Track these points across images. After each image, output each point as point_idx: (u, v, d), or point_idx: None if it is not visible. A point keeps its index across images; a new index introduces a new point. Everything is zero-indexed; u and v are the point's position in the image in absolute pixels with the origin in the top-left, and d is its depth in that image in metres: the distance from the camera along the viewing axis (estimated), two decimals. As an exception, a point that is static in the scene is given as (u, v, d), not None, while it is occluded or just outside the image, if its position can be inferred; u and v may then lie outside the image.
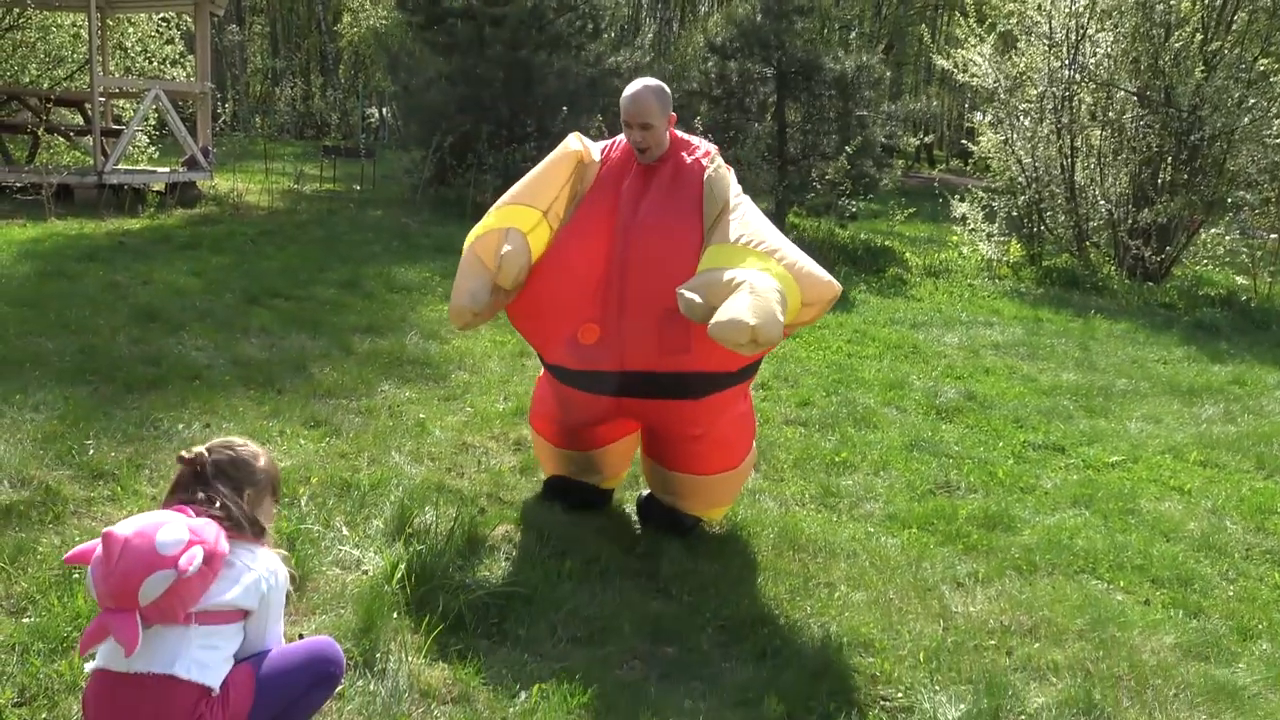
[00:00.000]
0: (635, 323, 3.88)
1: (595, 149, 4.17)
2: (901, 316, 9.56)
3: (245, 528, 2.62)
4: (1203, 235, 12.94)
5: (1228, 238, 12.67)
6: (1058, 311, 10.49)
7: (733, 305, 3.45)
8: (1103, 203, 12.95)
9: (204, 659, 2.46)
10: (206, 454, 2.69)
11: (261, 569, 2.58)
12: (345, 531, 4.08)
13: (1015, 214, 13.49)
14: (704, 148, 4.13)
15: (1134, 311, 10.87)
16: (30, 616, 3.27)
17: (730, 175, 4.08)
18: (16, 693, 2.90)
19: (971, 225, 13.65)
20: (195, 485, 2.64)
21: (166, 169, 13.40)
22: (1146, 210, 12.28)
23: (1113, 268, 12.88)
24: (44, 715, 2.82)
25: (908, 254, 13.14)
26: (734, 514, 4.59)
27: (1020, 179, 13.41)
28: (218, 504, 2.60)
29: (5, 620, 3.25)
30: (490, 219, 4.03)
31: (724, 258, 3.72)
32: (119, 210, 11.55)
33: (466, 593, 3.59)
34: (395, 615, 3.41)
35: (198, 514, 2.54)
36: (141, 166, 14.03)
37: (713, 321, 3.44)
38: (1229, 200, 12.63)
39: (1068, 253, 13.44)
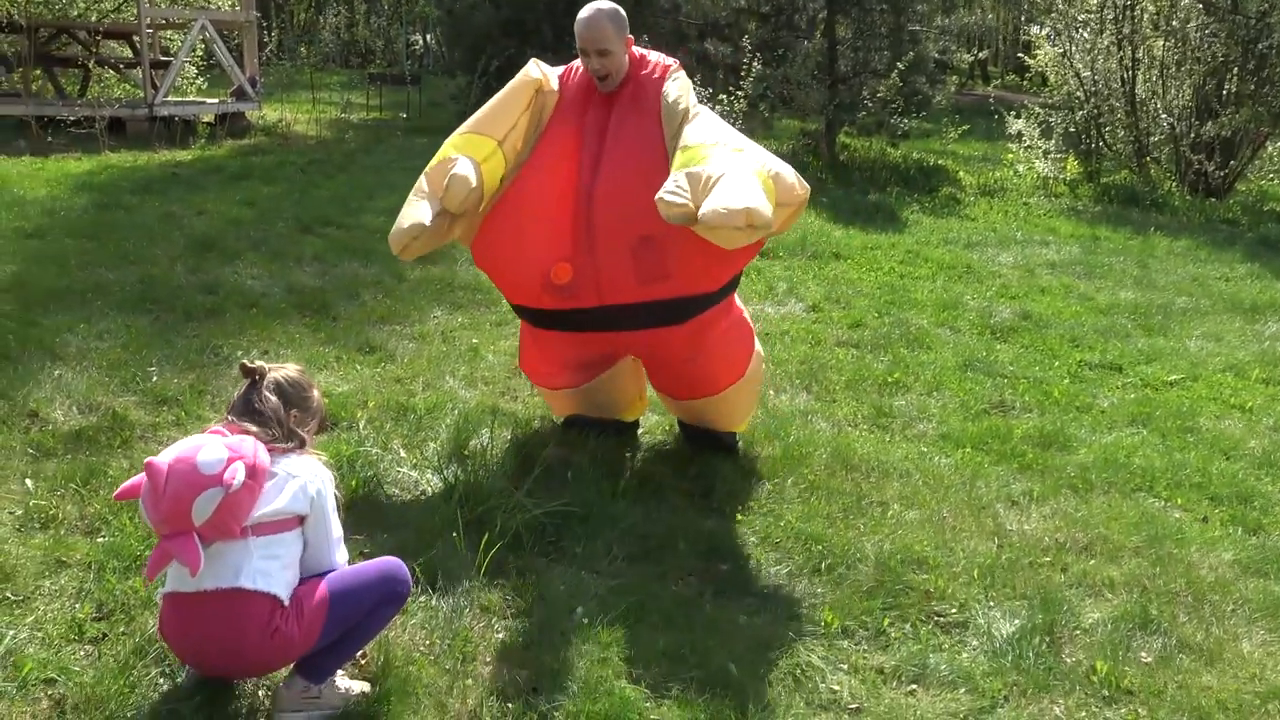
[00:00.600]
0: (608, 255, 3.73)
1: (554, 75, 3.99)
2: (955, 236, 9.41)
3: (284, 439, 2.68)
4: (1269, 148, 12.54)
5: (1296, 150, 12.28)
6: (1116, 229, 10.27)
7: (720, 194, 3.28)
8: (1164, 116, 12.57)
9: (267, 569, 2.54)
10: (266, 368, 2.78)
11: (306, 474, 2.65)
12: (403, 454, 4.15)
13: (1073, 130, 13.14)
14: (663, 63, 3.97)
15: (1195, 228, 10.60)
16: (104, 536, 3.38)
17: (688, 85, 3.92)
18: (95, 608, 3.02)
19: (1027, 142, 13.33)
20: (249, 394, 2.72)
21: (215, 100, 13.45)
22: (1210, 123, 11.91)
23: (1174, 184, 12.54)
24: (121, 629, 2.93)
25: (961, 173, 12.89)
26: (785, 435, 4.60)
27: (1079, 93, 13.04)
28: (264, 413, 2.68)
29: (80, 540, 3.37)
30: (444, 149, 3.84)
31: (693, 158, 3.54)
32: (170, 142, 11.65)
33: (523, 512, 3.64)
34: (454, 534, 3.47)
35: (234, 432, 2.61)
36: (190, 98, 14.09)
37: (703, 212, 3.25)
38: (1297, 111, 12.19)
39: (1127, 169, 13.11)
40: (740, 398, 4.24)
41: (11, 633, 2.88)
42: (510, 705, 2.79)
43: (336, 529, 2.74)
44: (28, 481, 3.71)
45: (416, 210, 3.67)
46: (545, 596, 3.29)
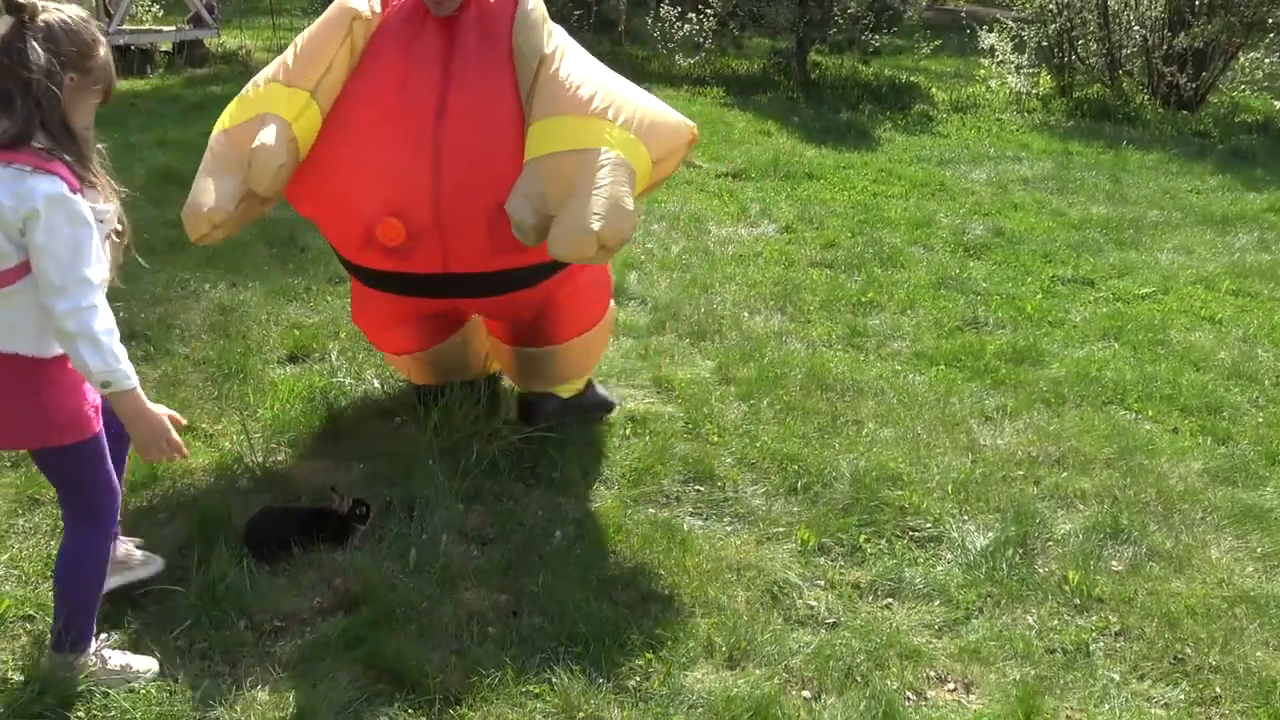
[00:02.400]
0: (459, 221, 3.18)
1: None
2: (928, 154, 9.35)
3: (42, 137, 2.19)
4: (1241, 59, 12.46)
5: (1267, 61, 12.21)
6: (1088, 144, 10.23)
7: (570, 213, 2.93)
8: (1137, 28, 12.45)
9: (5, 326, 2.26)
10: (39, 7, 2.17)
11: (19, 199, 2.14)
12: (377, 384, 4.12)
13: (1045, 44, 13.01)
14: None
15: (1167, 141, 10.58)
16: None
17: (541, 14, 3.29)
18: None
19: (1000, 57, 13.20)
20: (7, 48, 2.13)
21: (172, 28, 13.10)
22: (1183, 34, 11.81)
23: (1146, 97, 12.48)
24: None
25: (934, 90, 12.77)
26: (761, 356, 4.60)
27: (1051, 6, 12.88)
28: (23, 81, 2.13)
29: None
30: (244, 103, 3.25)
31: (551, 137, 3.09)
32: (127, 72, 11.35)
33: (499, 439, 3.64)
34: (430, 462, 3.47)
35: None
36: (147, 26, 13.72)
37: (550, 239, 2.93)
38: (1269, 21, 12.11)
39: (1099, 83, 13.02)
40: (583, 349, 3.80)
41: (-14, 571, 2.87)
42: (491, 629, 2.81)
43: (74, 267, 2.18)
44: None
45: (217, 187, 3.08)
46: (523, 521, 3.30)
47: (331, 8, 3.30)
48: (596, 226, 2.88)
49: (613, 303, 3.96)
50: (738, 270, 5.74)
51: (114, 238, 2.40)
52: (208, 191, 3.08)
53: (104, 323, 2.21)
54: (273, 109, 3.14)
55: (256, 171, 3.05)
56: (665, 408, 4.13)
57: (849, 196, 7.67)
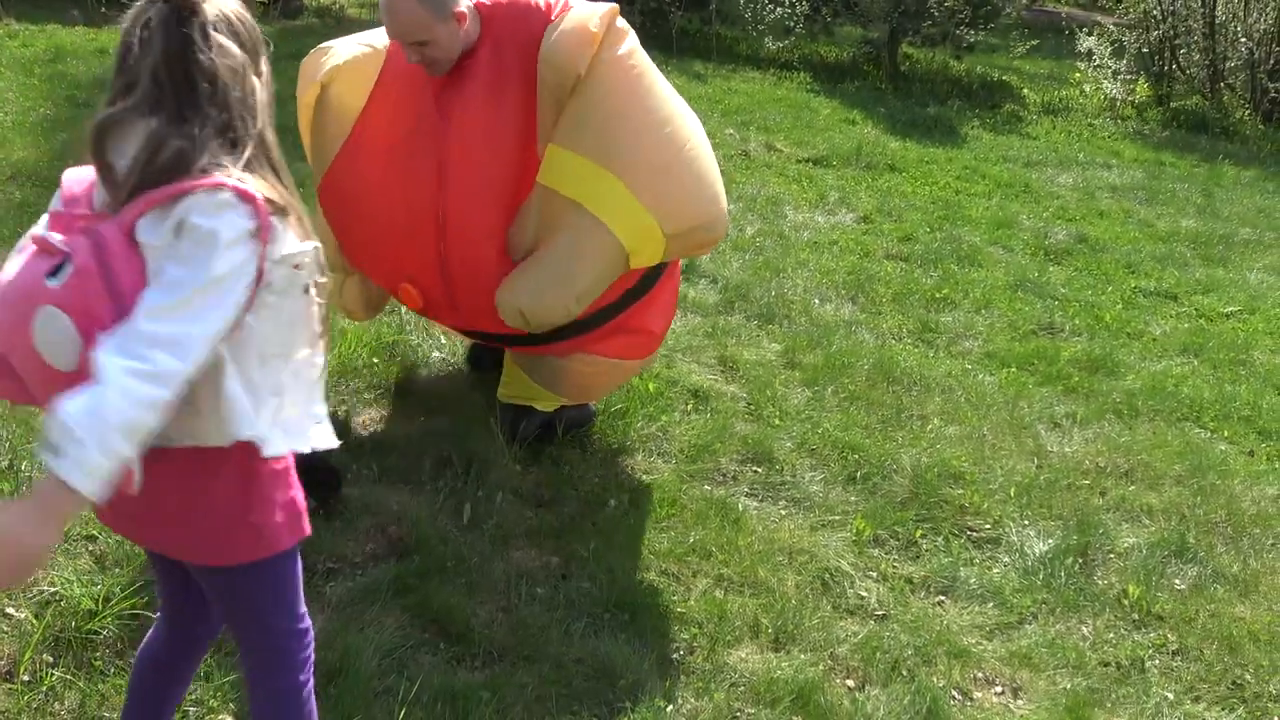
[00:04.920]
0: (466, 291, 3.04)
1: (366, 40, 3.16)
2: (1014, 154, 9.15)
3: (231, 154, 1.53)
4: (1351, 80, 12.01)
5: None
6: (1182, 156, 9.94)
7: (516, 273, 2.92)
8: (1244, 40, 12.06)
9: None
10: None
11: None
12: (444, 340, 4.15)
13: (1145, 51, 12.66)
14: (548, 6, 2.92)
15: (1266, 159, 10.24)
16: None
17: (575, 35, 2.82)
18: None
19: (1097, 61, 12.86)
20: (185, 44, 1.52)
21: (269, -21, 13.26)
22: (1292, 50, 11.42)
23: (1247, 112, 12.09)
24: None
25: (1026, 90, 12.49)
26: (829, 344, 4.55)
27: (1155, 12, 12.52)
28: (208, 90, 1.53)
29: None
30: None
31: (559, 172, 2.87)
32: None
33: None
34: (491, 421, 3.48)
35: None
36: (245, -24, 13.90)
37: (497, 296, 2.92)
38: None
39: (1199, 94, 12.63)
40: (604, 372, 3.34)
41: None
42: (539, 590, 2.82)
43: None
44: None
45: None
46: (578, 487, 3.30)
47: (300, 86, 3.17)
48: (524, 301, 2.86)
49: (633, 369, 3.49)
50: (811, 256, 5.67)
51: (313, 290, 1.63)
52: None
53: (152, 397, 1.41)
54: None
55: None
56: (728, 387, 4.11)
57: (930, 191, 7.53)
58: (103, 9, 11.04)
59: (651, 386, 3.93)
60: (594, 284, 2.92)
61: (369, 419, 3.59)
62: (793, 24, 12.00)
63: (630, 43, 2.95)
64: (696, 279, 5.12)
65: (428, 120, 2.94)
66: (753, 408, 3.95)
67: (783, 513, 3.35)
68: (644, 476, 3.41)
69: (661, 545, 3.07)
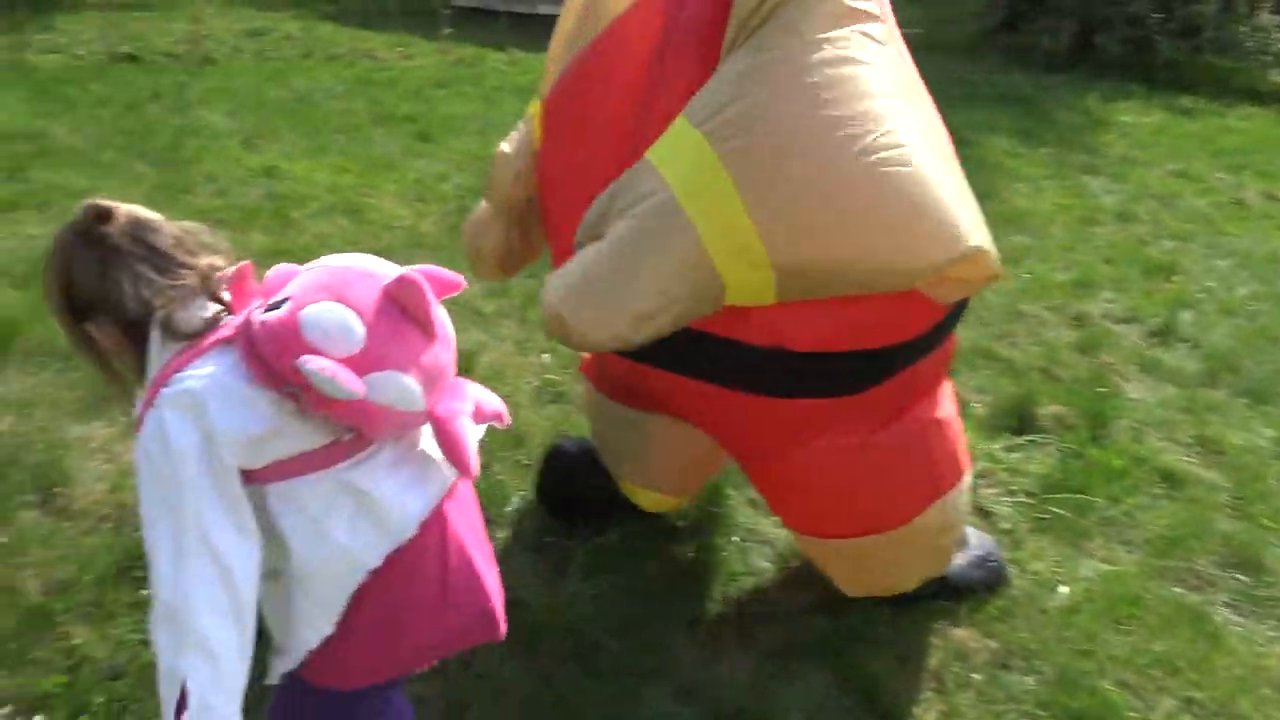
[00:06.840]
0: None
1: None
2: None
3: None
4: None
5: None
6: None
7: (570, 269, 2.09)
8: None
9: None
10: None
11: None
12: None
13: None
14: None
15: None
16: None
17: None
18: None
19: None
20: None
21: None
22: None
23: None
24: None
25: None
26: None
27: None
28: None
29: (580, 420, 3.61)
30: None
31: (669, 148, 2.05)
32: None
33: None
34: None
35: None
36: None
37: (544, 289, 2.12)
38: None
39: None
40: (871, 556, 2.53)
41: (520, 493, 3.16)
42: (975, 676, 2.60)
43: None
44: (545, 357, 4.05)
45: (475, 219, 2.76)
46: (1026, 568, 3.03)
47: None
48: (558, 301, 2.03)
49: (961, 481, 2.52)
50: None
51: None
52: (467, 233, 2.78)
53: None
54: (529, 113, 2.55)
55: (494, 186, 2.58)
56: (1208, 473, 3.61)
57: None
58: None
59: (1117, 463, 3.54)
60: (660, 306, 2.01)
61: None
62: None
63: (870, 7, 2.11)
64: (1175, 343, 4.59)
65: (648, 77, 2.21)
66: (1239, 502, 3.44)
67: (1270, 634, 2.86)
68: (1103, 565, 3.07)
69: (1120, 650, 2.73)
